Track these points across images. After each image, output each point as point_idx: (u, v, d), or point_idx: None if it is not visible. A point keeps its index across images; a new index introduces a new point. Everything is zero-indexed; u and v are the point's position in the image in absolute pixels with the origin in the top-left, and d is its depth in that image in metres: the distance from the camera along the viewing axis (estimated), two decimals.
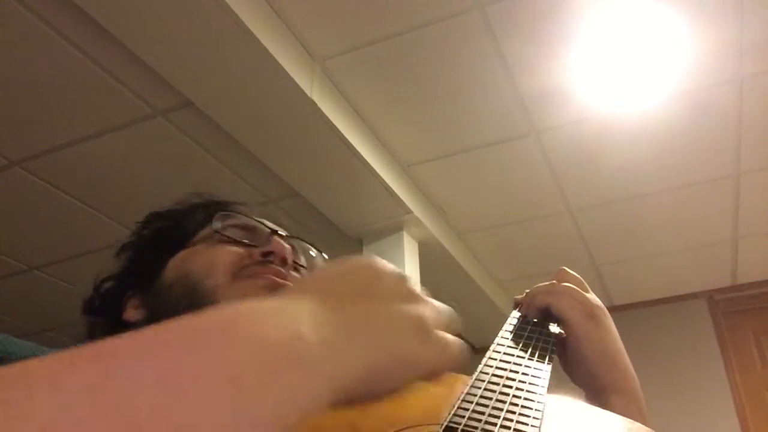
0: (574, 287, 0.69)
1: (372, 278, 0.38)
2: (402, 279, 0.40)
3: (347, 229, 2.60)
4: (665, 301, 3.62)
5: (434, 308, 0.40)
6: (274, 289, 0.60)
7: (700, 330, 3.50)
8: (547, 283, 0.71)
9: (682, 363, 3.43)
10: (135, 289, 0.66)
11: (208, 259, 0.63)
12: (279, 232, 0.67)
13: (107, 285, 0.68)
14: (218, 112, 1.96)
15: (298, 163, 2.21)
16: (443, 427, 0.43)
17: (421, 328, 0.37)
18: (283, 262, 0.64)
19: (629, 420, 0.51)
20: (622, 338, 0.70)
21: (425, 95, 2.15)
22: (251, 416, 0.25)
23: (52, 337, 3.27)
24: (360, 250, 2.64)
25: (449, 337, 0.39)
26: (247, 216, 0.68)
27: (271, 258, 0.63)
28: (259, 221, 0.68)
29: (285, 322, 0.30)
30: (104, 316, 0.66)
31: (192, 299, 0.59)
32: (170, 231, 0.69)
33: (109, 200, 2.48)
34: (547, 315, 0.69)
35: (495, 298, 3.35)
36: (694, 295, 3.56)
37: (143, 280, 0.65)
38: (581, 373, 0.67)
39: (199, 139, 2.21)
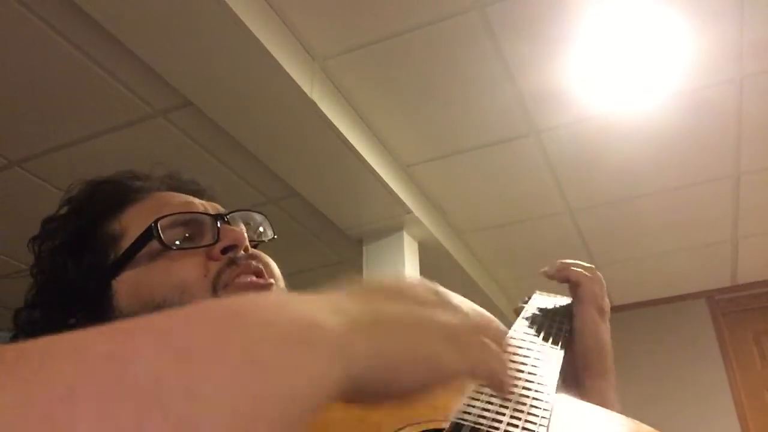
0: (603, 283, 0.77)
1: (405, 285, 0.38)
2: (437, 289, 0.40)
3: (347, 229, 2.60)
4: (665, 301, 3.62)
5: (471, 317, 0.39)
6: (263, 290, 0.59)
7: (700, 330, 3.51)
8: (586, 265, 0.79)
9: (682, 363, 3.43)
10: (79, 321, 0.59)
11: (174, 278, 0.57)
12: (221, 215, 0.63)
13: (34, 315, 0.61)
14: (218, 112, 1.96)
15: (298, 163, 2.21)
16: (451, 423, 0.43)
17: (451, 332, 0.36)
18: (245, 250, 0.61)
19: (636, 421, 0.52)
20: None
21: (425, 95, 2.15)
22: (266, 392, 0.25)
23: None
24: (360, 250, 2.65)
25: (487, 345, 0.38)
26: (180, 212, 0.61)
27: (233, 253, 0.60)
28: (194, 213, 0.62)
29: (303, 308, 0.30)
30: None
31: None
32: (96, 244, 0.61)
33: None
34: (556, 306, 0.74)
35: (495, 298, 3.36)
36: (694, 295, 3.56)
37: (85, 310, 0.59)
38: (576, 356, 0.72)
39: (199, 139, 2.21)
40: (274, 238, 0.69)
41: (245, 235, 0.62)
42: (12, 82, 1.93)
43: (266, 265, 0.61)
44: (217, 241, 0.60)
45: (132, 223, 0.61)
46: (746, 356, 3.39)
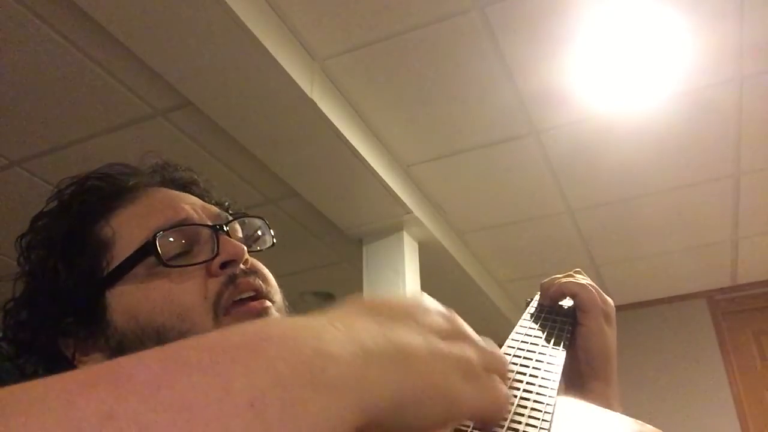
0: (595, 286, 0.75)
1: (419, 312, 0.36)
2: (452, 317, 0.38)
3: (347, 229, 2.60)
4: (665, 301, 3.62)
5: (485, 351, 0.38)
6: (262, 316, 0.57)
7: (700, 330, 3.51)
8: (575, 273, 0.76)
9: (682, 363, 3.43)
10: (71, 332, 0.57)
11: (174, 305, 0.55)
12: (219, 225, 0.60)
13: (21, 321, 0.58)
14: (218, 112, 1.96)
15: (298, 163, 2.21)
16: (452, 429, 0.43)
17: (468, 368, 0.35)
18: (244, 263, 0.58)
19: (640, 422, 0.52)
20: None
21: (425, 95, 2.15)
22: None
23: None
24: (360, 250, 2.64)
25: (498, 382, 0.37)
26: (180, 224, 0.58)
27: (231, 268, 0.57)
28: (193, 225, 0.59)
29: (315, 341, 0.29)
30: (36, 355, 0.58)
31: None
32: (87, 249, 0.58)
33: None
34: (560, 306, 0.73)
35: (495, 298, 3.35)
36: (694, 295, 3.56)
37: (76, 317, 0.57)
38: (579, 361, 0.71)
39: (199, 139, 2.21)
40: (273, 244, 0.66)
41: (244, 248, 0.59)
42: (12, 82, 1.93)
43: (265, 279, 0.59)
44: (216, 255, 0.57)
45: (124, 228, 0.59)
46: (746, 356, 3.39)
